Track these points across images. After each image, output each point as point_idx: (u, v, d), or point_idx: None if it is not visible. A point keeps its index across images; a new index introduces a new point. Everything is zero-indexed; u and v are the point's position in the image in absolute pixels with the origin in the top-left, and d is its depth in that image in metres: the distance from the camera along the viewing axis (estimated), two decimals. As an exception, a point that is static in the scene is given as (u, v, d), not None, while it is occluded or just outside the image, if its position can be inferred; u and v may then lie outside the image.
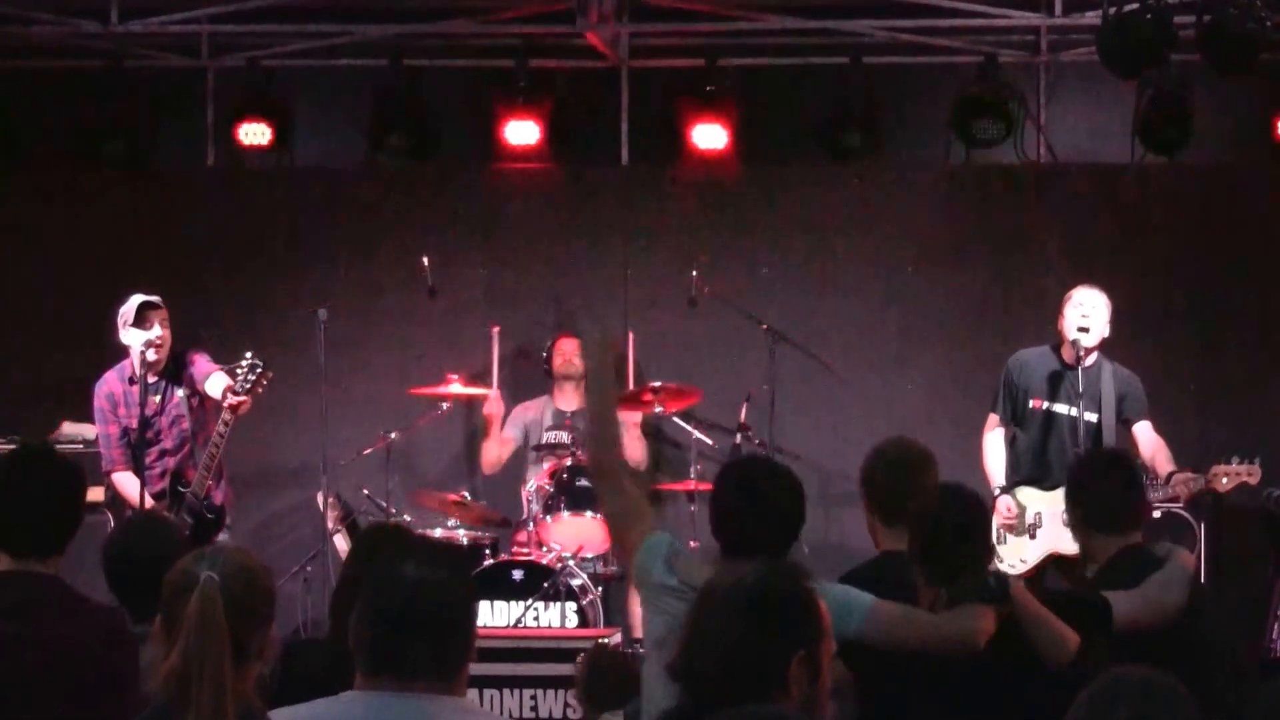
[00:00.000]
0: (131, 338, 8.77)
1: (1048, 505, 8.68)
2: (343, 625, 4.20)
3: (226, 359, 10.35)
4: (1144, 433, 8.78)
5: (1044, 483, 8.77)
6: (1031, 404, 8.83)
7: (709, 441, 10.15)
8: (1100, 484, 5.46)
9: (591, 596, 9.26)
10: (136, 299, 8.81)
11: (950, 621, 4.71)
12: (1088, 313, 8.74)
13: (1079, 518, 5.46)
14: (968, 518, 5.00)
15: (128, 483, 8.90)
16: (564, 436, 9.98)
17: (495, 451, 10.22)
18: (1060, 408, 8.77)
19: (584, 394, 5.62)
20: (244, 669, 3.48)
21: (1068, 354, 8.80)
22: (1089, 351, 8.76)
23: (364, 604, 3.49)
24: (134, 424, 8.75)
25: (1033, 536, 8.81)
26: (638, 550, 4.84)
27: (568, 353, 10.18)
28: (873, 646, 4.70)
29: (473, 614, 3.59)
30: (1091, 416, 8.71)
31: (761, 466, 5.15)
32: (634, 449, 9.77)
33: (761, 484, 4.79)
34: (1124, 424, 8.80)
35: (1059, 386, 8.78)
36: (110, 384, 8.96)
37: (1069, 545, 7.46)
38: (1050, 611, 4.78)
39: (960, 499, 5.09)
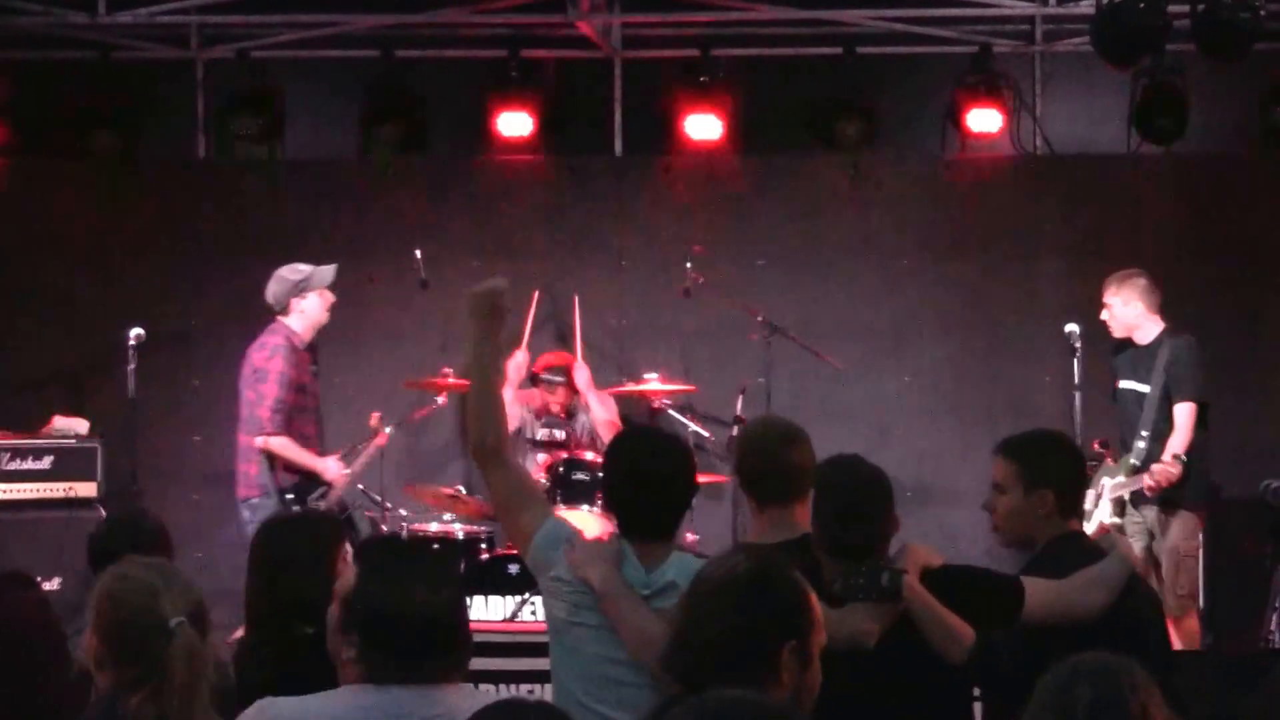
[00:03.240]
0: (318, 302, 9.01)
1: (1109, 478, 8.99)
2: (273, 629, 4.18)
3: (220, 352, 10.34)
4: (1176, 413, 8.93)
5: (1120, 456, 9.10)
6: (1116, 382, 9.16)
7: (705, 434, 10.13)
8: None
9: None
10: (325, 267, 9.03)
11: (840, 621, 4.39)
12: (1104, 313, 9.07)
13: None
14: (856, 495, 4.67)
15: (290, 447, 8.86)
16: (558, 434, 9.96)
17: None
18: (1126, 383, 9.09)
19: (464, 367, 5.11)
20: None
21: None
22: (1130, 331, 9.06)
23: (358, 606, 3.52)
24: (306, 383, 8.92)
25: (1095, 506, 9.04)
26: (534, 536, 4.60)
27: (550, 364, 10.17)
28: None
29: (464, 604, 3.68)
30: (1146, 389, 8.97)
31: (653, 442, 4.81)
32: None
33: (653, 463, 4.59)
34: (1167, 398, 8.98)
35: (1125, 362, 9.12)
36: (287, 350, 8.88)
37: (1109, 518, 8.72)
38: (946, 606, 4.53)
39: (850, 474, 4.74)
